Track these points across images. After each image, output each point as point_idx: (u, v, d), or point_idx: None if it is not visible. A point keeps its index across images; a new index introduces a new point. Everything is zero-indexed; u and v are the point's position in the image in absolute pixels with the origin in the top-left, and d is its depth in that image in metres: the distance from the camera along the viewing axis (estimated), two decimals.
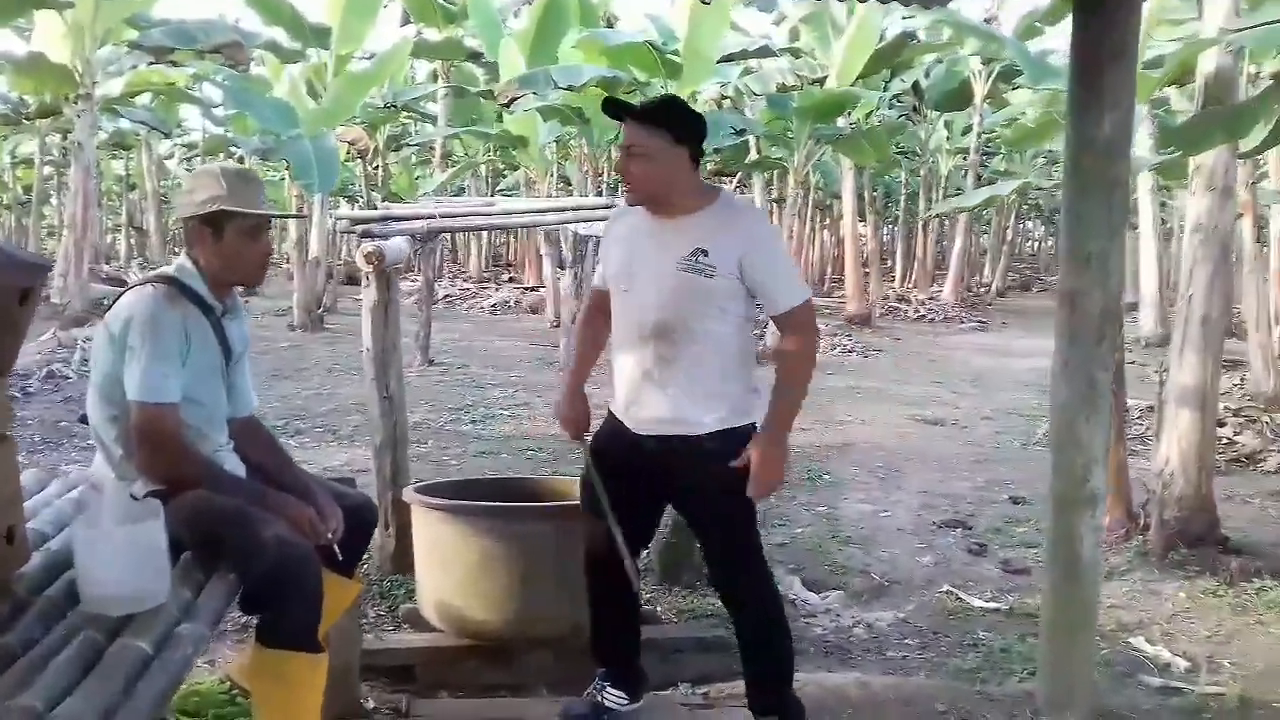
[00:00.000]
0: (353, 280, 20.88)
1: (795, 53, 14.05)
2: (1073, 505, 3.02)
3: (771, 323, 2.84)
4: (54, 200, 29.74)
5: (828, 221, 26.84)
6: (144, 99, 16.65)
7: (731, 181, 26.50)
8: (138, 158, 27.38)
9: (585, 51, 10.76)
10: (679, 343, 2.75)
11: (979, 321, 17.73)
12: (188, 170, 31.77)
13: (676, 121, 2.75)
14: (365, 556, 4.21)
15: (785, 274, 2.76)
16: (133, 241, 32.45)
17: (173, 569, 2.39)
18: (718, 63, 12.50)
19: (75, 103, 11.40)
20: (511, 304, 16.71)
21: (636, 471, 2.90)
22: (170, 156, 32.58)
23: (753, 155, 16.02)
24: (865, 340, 14.55)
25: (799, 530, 5.38)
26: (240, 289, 2.77)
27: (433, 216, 5.36)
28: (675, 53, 11.13)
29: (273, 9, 12.22)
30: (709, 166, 22.10)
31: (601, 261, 3.03)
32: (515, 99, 10.66)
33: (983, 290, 23.29)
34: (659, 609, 4.22)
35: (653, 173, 2.72)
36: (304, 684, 2.42)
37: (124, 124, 20.36)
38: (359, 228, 4.92)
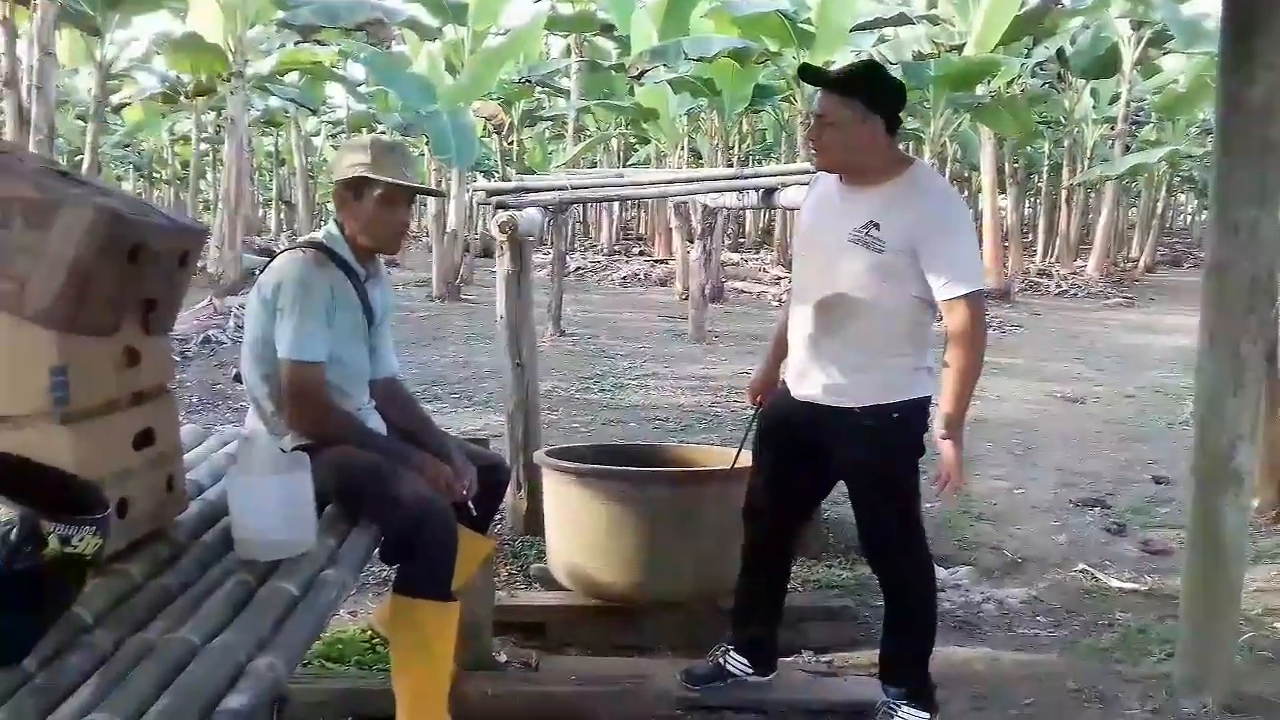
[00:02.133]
0: (488, 253, 21.32)
1: (933, 20, 13.69)
2: (1216, 483, 2.91)
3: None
4: (209, 176, 31.27)
5: (966, 194, 26.07)
6: (293, 77, 17.33)
7: None
8: (287, 135, 28.50)
9: (715, 22, 10.70)
10: (843, 314, 2.74)
11: (1125, 297, 16.99)
12: (333, 146, 32.98)
13: (871, 90, 2.71)
14: (498, 517, 4.37)
15: (958, 260, 2.65)
16: (282, 215, 33.87)
17: (319, 519, 2.54)
18: (851, 31, 12.29)
19: (228, 81, 11.92)
20: (641, 277, 16.80)
21: (798, 440, 2.92)
22: (317, 134, 33.80)
23: None
24: (1003, 315, 14.12)
25: (928, 505, 5.14)
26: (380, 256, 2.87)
27: (565, 188, 5.45)
28: (808, 21, 10.96)
29: None
30: None
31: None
32: (645, 71, 10.68)
33: (1130, 266, 22.29)
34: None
35: (842, 142, 2.69)
36: (436, 632, 2.53)
37: (274, 102, 21.23)
38: (495, 199, 5.05)
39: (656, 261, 18.56)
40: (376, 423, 2.83)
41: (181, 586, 2.11)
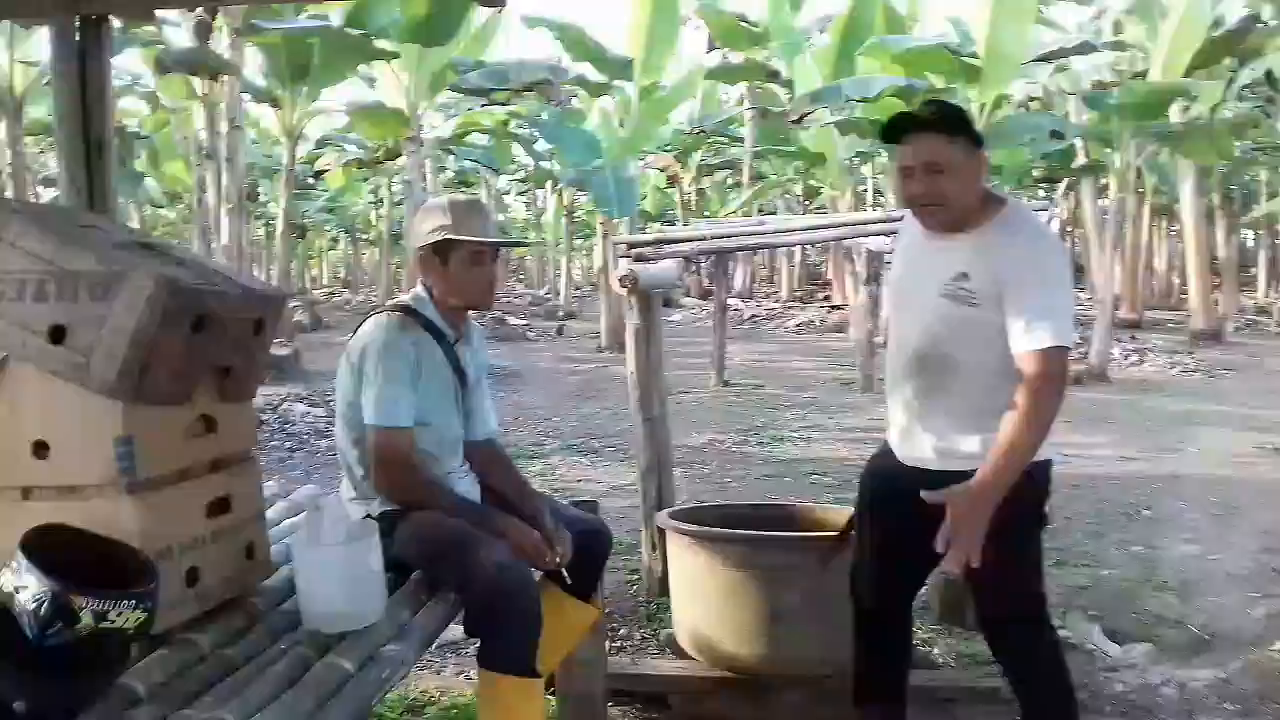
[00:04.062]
0: (669, 304, 21.52)
1: (1120, 46, 12.94)
2: None
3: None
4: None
5: (1178, 228, 24.46)
6: (482, 139, 18.00)
7: (1055, 189, 24.90)
8: (481, 193, 29.71)
9: (876, 60, 10.41)
10: (941, 374, 2.50)
11: None
12: (524, 202, 34.22)
13: (971, 128, 2.47)
14: (633, 578, 4.24)
15: (1042, 309, 2.34)
16: None
17: (401, 588, 2.47)
18: (1033, 61, 11.74)
19: (407, 145, 12.47)
20: (816, 323, 16.49)
21: (906, 508, 2.65)
22: (508, 191, 35.15)
23: (1080, 159, 14.87)
24: (1211, 358, 13.09)
25: (1106, 572, 4.83)
26: (473, 314, 2.81)
27: (703, 238, 5.33)
28: (973, 55, 10.53)
29: (579, 45, 12.79)
30: (1034, 173, 20.85)
31: None
32: (805, 115, 10.48)
33: None
34: (935, 651, 3.92)
35: (958, 189, 2.42)
36: (517, 708, 2.41)
37: (466, 163, 22.17)
38: (633, 251, 4.97)
39: (834, 307, 18.20)
40: (469, 487, 2.76)
41: (246, 659, 2.07)
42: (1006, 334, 2.38)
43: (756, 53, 16.58)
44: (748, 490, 6.23)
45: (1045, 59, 11.98)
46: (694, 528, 3.54)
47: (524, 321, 15.43)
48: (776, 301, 20.76)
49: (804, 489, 6.21)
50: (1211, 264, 18.53)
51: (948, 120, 2.47)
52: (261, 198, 22.13)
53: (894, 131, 2.51)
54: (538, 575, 2.77)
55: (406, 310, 2.68)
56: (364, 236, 34.67)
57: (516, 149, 22.13)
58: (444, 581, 2.46)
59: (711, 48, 18.32)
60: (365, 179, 25.59)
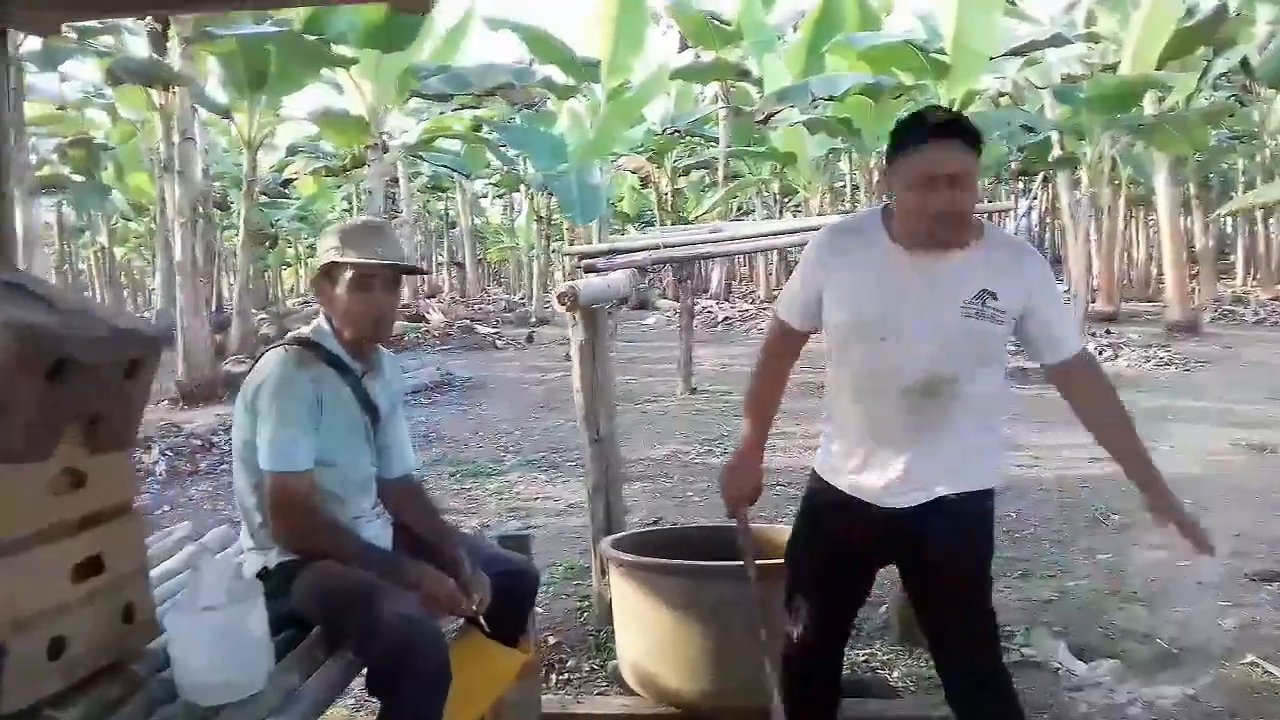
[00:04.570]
0: (644, 306, 21.36)
1: (1093, 38, 12.82)
2: None
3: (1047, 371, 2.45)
4: None
5: (1154, 219, 24.44)
6: (455, 144, 17.75)
7: (1033, 181, 24.87)
8: (456, 198, 29.52)
9: (842, 58, 10.27)
10: (947, 398, 2.36)
11: None
12: (502, 206, 34.02)
13: (978, 139, 2.29)
14: (577, 609, 4.08)
15: (1068, 319, 2.51)
16: (454, 277, 35.05)
17: (296, 648, 2.30)
18: (1004, 55, 11.62)
19: (369, 152, 12.26)
20: None
21: (860, 545, 2.52)
22: (485, 195, 34.95)
23: (1055, 152, 14.77)
24: (1187, 351, 12.99)
25: (1072, 583, 4.69)
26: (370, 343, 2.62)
27: (657, 247, 5.18)
28: (941, 51, 10.40)
29: (545, 47, 12.61)
30: (1011, 166, 20.79)
31: (810, 297, 2.49)
32: (772, 115, 10.33)
33: None
34: (893, 675, 3.78)
35: (974, 204, 2.31)
36: None
37: (439, 168, 21.95)
38: (584, 262, 4.82)
39: None
40: (378, 531, 2.59)
41: None
42: (1004, 351, 2.42)
43: (729, 52, 16.43)
44: (710, 505, 6.06)
45: (1017, 53, 11.84)
46: (634, 558, 3.38)
47: (494, 330, 15.22)
48: (752, 302, 20.59)
49: (766, 502, 6.03)
50: (1189, 253, 18.49)
51: (971, 131, 2.28)
52: (234, 207, 21.86)
53: (918, 133, 2.27)
54: (459, 621, 2.61)
55: (305, 343, 2.51)
56: None
57: (490, 153, 22.00)
58: (344, 638, 2.29)
59: (683, 47, 18.17)
60: (338, 186, 25.39)
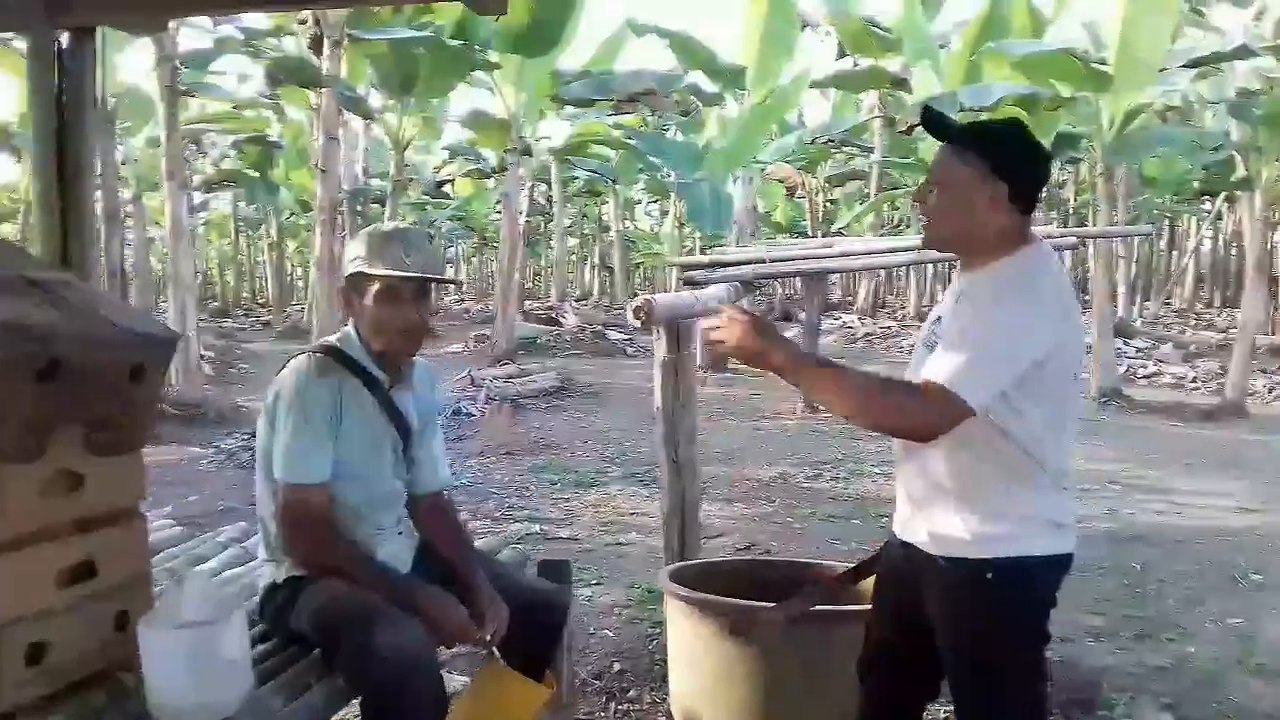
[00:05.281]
0: (787, 317, 20.99)
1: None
2: None
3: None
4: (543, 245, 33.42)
5: None
6: (610, 150, 17.82)
7: (1215, 201, 23.31)
8: (609, 202, 29.80)
9: (995, 66, 9.77)
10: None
11: None
12: (659, 212, 34.20)
13: (998, 149, 2.08)
14: (648, 636, 3.93)
15: (965, 349, 1.94)
16: (604, 280, 35.38)
17: (287, 670, 2.23)
18: (1183, 66, 10.87)
19: (510, 155, 12.39)
20: None
21: (905, 595, 2.26)
22: (639, 202, 35.17)
23: (1239, 172, 13.74)
24: None
25: (1193, 649, 4.24)
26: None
27: (762, 261, 5.00)
28: (1103, 61, 9.76)
29: (692, 53, 12.49)
30: (1194, 185, 19.50)
31: None
32: (915, 125, 9.91)
33: None
34: None
35: (951, 211, 2.09)
36: None
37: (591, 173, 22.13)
38: (686, 274, 4.69)
39: None
40: (398, 549, 2.49)
41: None
42: (1001, 399, 1.98)
43: (888, 60, 15.96)
44: (809, 533, 5.81)
45: (1196, 64, 11.04)
46: (686, 592, 3.19)
47: (626, 336, 15.16)
48: (898, 319, 19.94)
49: (871, 532, 5.72)
50: None
51: (960, 135, 2.14)
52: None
53: (931, 126, 2.19)
54: (483, 651, 2.50)
55: (330, 351, 2.44)
56: (494, 245, 35.18)
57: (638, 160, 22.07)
58: (338, 664, 2.20)
59: (841, 54, 17.77)
60: (495, 187, 25.94)
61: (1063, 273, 2.19)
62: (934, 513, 2.11)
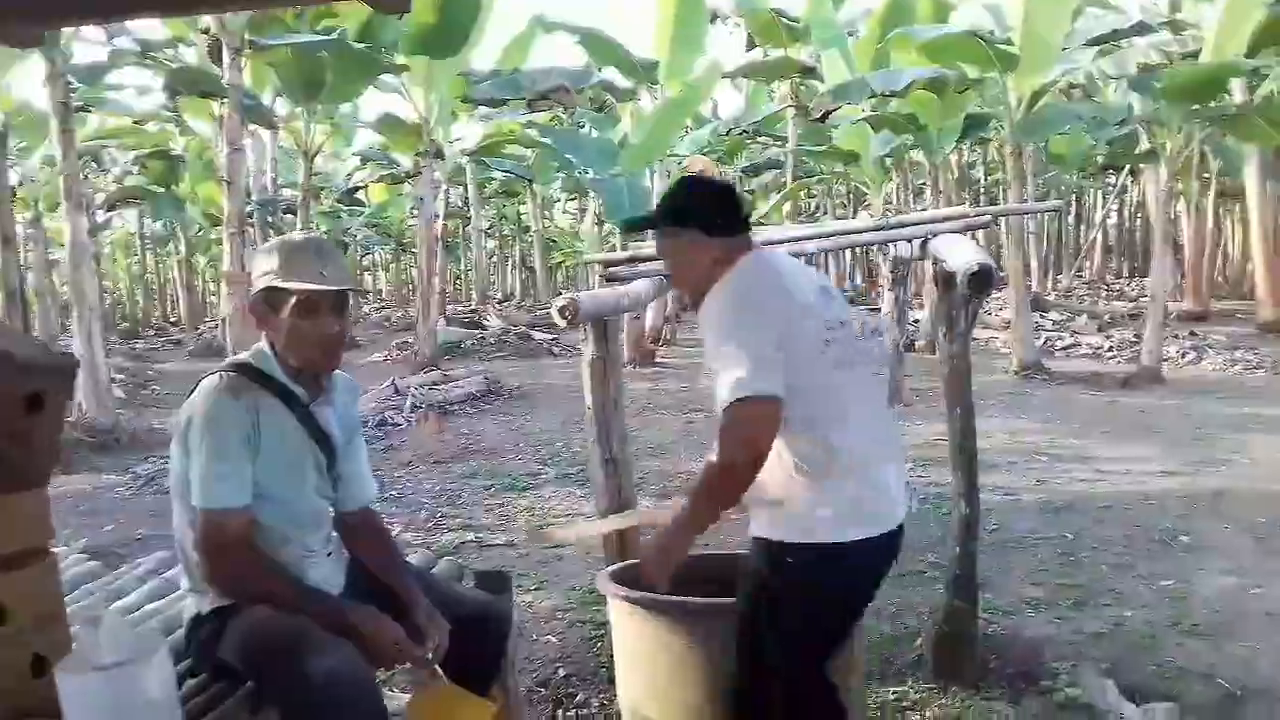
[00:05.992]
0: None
1: (1177, 26, 12.23)
2: None
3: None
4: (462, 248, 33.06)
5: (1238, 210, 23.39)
6: (524, 149, 17.64)
7: (1119, 174, 23.97)
8: (528, 202, 29.56)
9: (902, 51, 9.87)
10: None
11: None
12: (578, 210, 34.12)
13: (673, 210, 2.51)
14: (592, 638, 3.87)
15: (721, 363, 2.25)
16: (526, 280, 35.15)
17: (222, 705, 2.12)
18: (1086, 45, 11.11)
19: (422, 158, 12.20)
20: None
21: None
22: (558, 200, 34.99)
23: (1143, 145, 14.12)
24: (1278, 354, 12.28)
25: (1129, 613, 4.32)
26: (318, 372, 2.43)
27: None
28: (1009, 41, 9.93)
29: (603, 50, 12.42)
30: (1099, 160, 20.02)
31: None
32: (829, 112, 9.99)
33: None
34: (926, 716, 3.49)
35: (682, 273, 2.51)
36: None
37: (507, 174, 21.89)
38: (607, 270, 4.62)
39: (873, 310, 17.60)
40: (327, 571, 2.40)
41: None
42: None
43: (796, 49, 16.07)
44: (747, 522, 5.79)
45: (1097, 42, 11.29)
46: (631, 592, 3.13)
47: (551, 336, 15.05)
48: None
49: None
50: None
51: (650, 220, 2.57)
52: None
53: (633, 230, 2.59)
54: (422, 668, 2.42)
55: (244, 369, 2.33)
56: (412, 250, 34.71)
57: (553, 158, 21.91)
58: (271, 695, 2.10)
59: (751, 46, 17.85)
60: (400, 194, 25.58)
61: (777, 267, 2.45)
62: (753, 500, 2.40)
